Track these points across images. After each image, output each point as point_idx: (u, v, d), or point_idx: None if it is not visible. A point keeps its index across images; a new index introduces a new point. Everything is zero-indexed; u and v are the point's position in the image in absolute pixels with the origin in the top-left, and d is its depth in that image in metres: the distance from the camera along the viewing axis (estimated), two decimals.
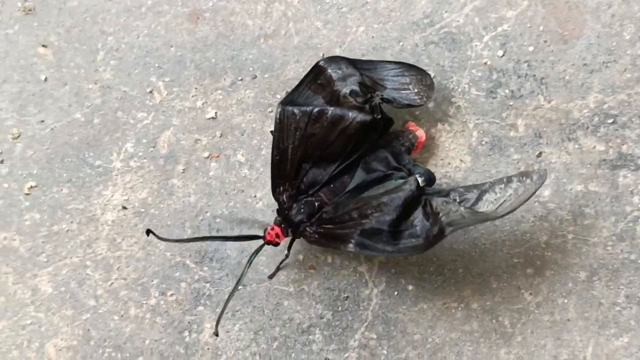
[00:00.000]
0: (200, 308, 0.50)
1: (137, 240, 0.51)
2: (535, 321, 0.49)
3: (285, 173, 0.46)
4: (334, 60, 0.47)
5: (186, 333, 0.50)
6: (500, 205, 0.44)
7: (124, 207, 0.51)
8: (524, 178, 0.44)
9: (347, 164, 0.46)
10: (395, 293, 0.50)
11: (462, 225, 0.43)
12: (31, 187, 0.52)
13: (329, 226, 0.45)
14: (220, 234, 0.50)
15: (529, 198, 0.44)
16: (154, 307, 0.51)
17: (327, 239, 0.45)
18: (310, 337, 0.50)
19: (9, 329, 0.51)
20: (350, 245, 0.44)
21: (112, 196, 0.51)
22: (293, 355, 0.50)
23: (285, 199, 0.46)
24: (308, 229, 0.46)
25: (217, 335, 0.47)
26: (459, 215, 0.43)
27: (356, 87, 0.46)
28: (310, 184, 0.46)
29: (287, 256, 0.48)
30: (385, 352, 0.50)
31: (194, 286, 0.51)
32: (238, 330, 0.50)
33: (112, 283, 0.51)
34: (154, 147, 0.52)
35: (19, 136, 0.52)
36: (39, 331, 0.51)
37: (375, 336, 0.50)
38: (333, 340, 0.50)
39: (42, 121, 0.52)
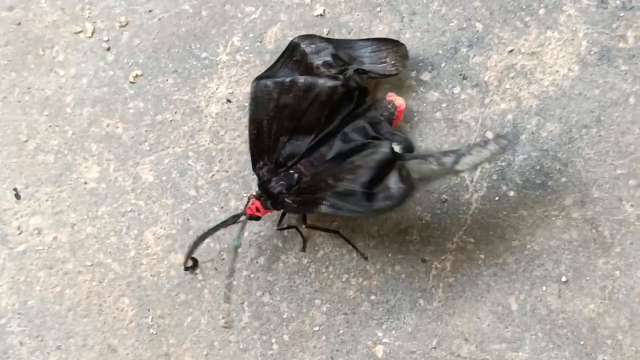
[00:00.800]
0: None
1: (240, 133, 0.51)
2: (636, 233, 0.49)
3: (264, 147, 0.47)
4: (309, 37, 0.48)
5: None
6: (475, 166, 0.44)
7: (229, 101, 0.51)
8: (500, 139, 0.44)
9: (324, 136, 0.47)
10: (496, 199, 0.50)
11: (433, 178, 0.44)
12: (136, 75, 0.52)
13: (307, 195, 0.46)
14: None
15: (501, 154, 0.45)
16: None
17: (304, 205, 0.46)
18: (408, 237, 0.50)
19: (109, 215, 0.51)
20: (323, 207, 0.44)
21: (217, 89, 0.51)
22: (390, 255, 0.50)
23: (264, 173, 0.47)
24: (287, 200, 0.46)
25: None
26: (430, 170, 0.43)
27: (329, 59, 0.47)
28: (289, 157, 0.47)
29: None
30: (482, 256, 0.50)
31: None
32: (336, 227, 0.50)
33: (213, 175, 0.51)
34: (260, 42, 0.52)
35: (126, 25, 0.52)
36: (138, 218, 0.51)
37: (473, 240, 0.50)
38: (430, 242, 0.50)
39: (150, 11, 0.52)
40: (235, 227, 0.47)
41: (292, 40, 0.47)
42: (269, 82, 0.46)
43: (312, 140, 0.47)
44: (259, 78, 0.46)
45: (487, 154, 0.43)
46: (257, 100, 0.46)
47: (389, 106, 0.48)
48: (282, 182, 0.46)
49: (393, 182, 0.43)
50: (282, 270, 0.50)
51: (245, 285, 0.50)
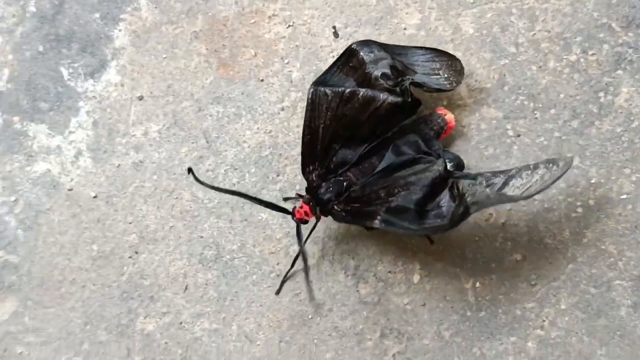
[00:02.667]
0: (620, 72, 0.50)
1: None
2: None
3: (316, 152, 0.46)
4: (367, 43, 0.47)
5: (601, 94, 0.50)
6: (526, 189, 0.43)
7: None
8: (551, 165, 0.44)
9: (376, 146, 0.47)
10: None
11: (487, 204, 0.43)
12: None
13: (356, 205, 0.45)
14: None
15: (553, 183, 0.43)
16: (574, 64, 0.51)
17: (353, 216, 0.45)
18: None
19: None
20: (376, 221, 0.44)
21: None
22: None
23: (314, 178, 0.47)
24: (336, 207, 0.46)
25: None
26: (485, 195, 0.43)
27: (387, 70, 0.46)
28: (340, 164, 0.47)
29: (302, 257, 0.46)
30: None
31: (617, 49, 0.51)
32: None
33: (534, 34, 0.51)
34: None
35: None
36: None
37: None
38: None
39: None
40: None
41: (349, 46, 0.47)
42: (327, 91, 0.46)
43: (364, 150, 0.47)
44: (316, 83, 0.46)
45: (537, 178, 0.43)
46: (314, 107, 0.46)
47: (439, 120, 0.48)
48: (331, 189, 0.46)
49: (445, 200, 0.44)
50: (594, 136, 0.50)
51: (555, 146, 0.50)
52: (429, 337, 0.50)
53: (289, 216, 0.47)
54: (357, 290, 0.51)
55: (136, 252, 0.52)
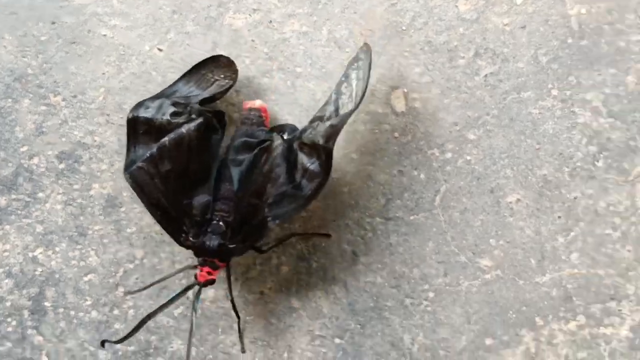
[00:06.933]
0: None
1: None
2: None
3: (175, 220, 0.45)
4: (139, 105, 0.46)
5: None
6: (356, 95, 0.44)
7: None
8: (355, 63, 0.45)
9: (220, 174, 0.46)
10: None
11: (337, 131, 0.43)
12: None
13: (244, 227, 0.44)
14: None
15: (369, 72, 0.44)
16: None
17: (250, 238, 0.44)
18: None
19: None
20: (270, 223, 0.43)
21: None
22: None
23: (192, 240, 0.45)
24: (230, 246, 0.44)
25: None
26: (329, 127, 0.43)
27: (173, 108, 0.45)
28: (203, 211, 0.45)
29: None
30: None
31: None
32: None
33: None
34: None
35: None
36: None
37: None
38: None
39: None
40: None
41: (127, 118, 0.45)
42: (140, 164, 0.44)
43: (213, 183, 0.45)
44: (126, 168, 0.44)
45: (355, 81, 0.44)
46: (141, 185, 0.44)
47: (252, 113, 0.48)
48: (214, 236, 0.44)
49: (306, 161, 0.43)
50: None
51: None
52: (525, 60, 0.49)
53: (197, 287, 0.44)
54: (456, 6, 0.50)
55: None
